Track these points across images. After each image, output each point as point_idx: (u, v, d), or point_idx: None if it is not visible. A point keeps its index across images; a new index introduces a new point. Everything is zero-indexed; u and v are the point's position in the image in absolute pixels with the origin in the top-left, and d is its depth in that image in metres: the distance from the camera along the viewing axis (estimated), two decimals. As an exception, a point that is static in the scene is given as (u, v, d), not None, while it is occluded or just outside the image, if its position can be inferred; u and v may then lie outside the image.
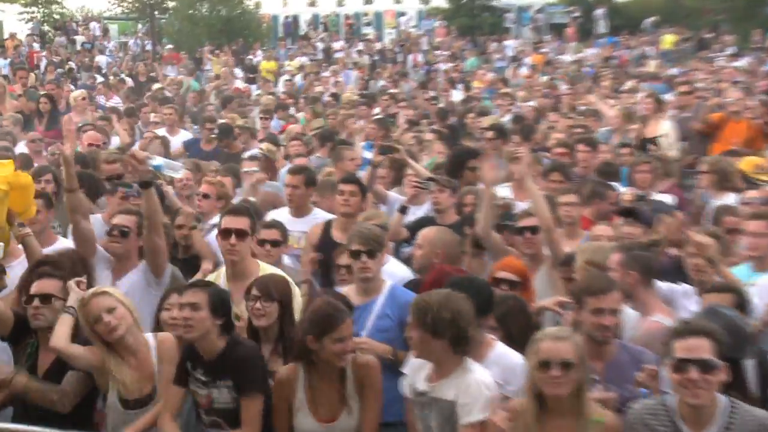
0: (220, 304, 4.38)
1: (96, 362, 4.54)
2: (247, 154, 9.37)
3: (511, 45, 27.80)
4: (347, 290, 5.00)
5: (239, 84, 19.83)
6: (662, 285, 5.17)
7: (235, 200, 7.42)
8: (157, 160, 5.49)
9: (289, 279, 5.01)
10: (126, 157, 5.58)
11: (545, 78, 18.21)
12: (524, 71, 21.33)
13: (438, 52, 26.64)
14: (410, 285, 5.30)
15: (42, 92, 12.80)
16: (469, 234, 6.09)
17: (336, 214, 6.58)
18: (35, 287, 4.77)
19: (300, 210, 6.87)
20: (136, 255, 5.69)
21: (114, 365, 4.50)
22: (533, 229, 5.88)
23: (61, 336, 4.54)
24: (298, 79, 20.71)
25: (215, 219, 6.81)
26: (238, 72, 22.19)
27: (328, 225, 6.45)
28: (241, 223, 5.24)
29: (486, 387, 4.02)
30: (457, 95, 16.79)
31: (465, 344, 4.06)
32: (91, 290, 4.61)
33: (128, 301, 4.60)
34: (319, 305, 4.29)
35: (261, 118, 12.58)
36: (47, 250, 5.78)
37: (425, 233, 5.71)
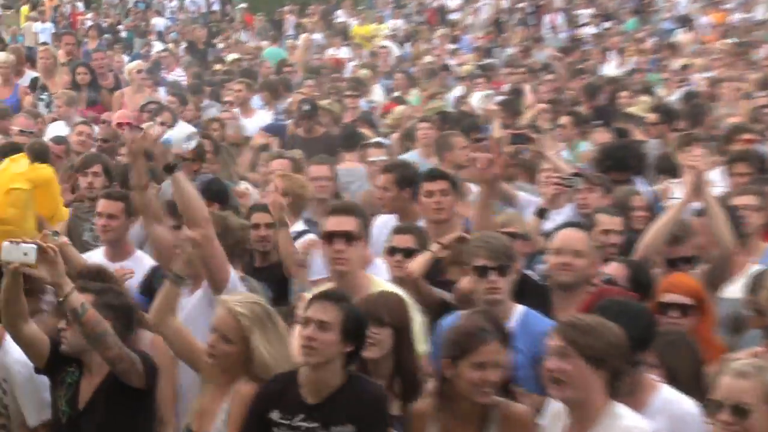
0: (354, 326, 4.37)
1: (195, 361, 4.76)
2: (372, 140, 9.47)
3: (682, 1, 27.29)
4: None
5: (340, 53, 19.85)
6: None
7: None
8: (166, 134, 5.49)
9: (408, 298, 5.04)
10: (138, 138, 5.64)
11: (727, 42, 17.85)
12: (700, 34, 20.94)
13: (584, 11, 26.36)
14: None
15: (78, 62, 13.10)
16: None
17: (425, 221, 6.56)
18: None
19: (402, 217, 6.89)
20: None
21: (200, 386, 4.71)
22: (688, 260, 5.83)
23: (155, 308, 4.79)
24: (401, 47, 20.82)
25: (297, 226, 6.99)
26: (319, 37, 22.33)
27: None
28: (349, 224, 5.28)
29: None
30: (610, 67, 16.64)
31: (620, 383, 4.05)
32: (222, 299, 4.75)
33: (251, 330, 4.59)
34: (461, 321, 4.32)
35: (347, 95, 12.72)
36: (125, 265, 6.11)
37: (570, 236, 5.56)
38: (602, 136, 9.19)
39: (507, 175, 7.66)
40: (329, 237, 5.28)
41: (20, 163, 5.61)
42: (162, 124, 9.67)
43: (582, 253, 5.40)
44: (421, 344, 5.05)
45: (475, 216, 6.20)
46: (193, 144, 5.59)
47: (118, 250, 6.50)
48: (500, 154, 5.67)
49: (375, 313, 4.69)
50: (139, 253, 6.61)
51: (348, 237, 5.24)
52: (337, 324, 4.31)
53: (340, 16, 26.27)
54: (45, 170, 5.70)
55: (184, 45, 21.41)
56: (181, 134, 5.46)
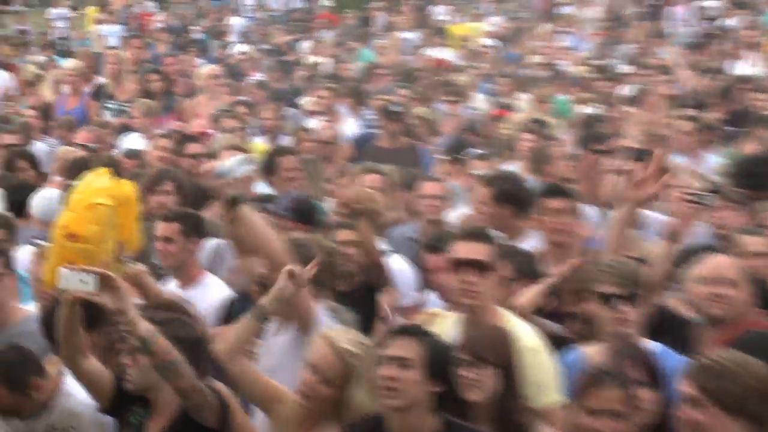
0: (440, 363, 4.38)
1: (269, 402, 4.80)
2: (472, 152, 9.48)
3: (834, -12, 26.76)
4: (591, 352, 4.99)
5: (441, 53, 19.81)
6: None
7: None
8: (224, 166, 5.54)
9: (517, 334, 5.00)
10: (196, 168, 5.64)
11: None
12: None
13: (714, 3, 26.03)
14: None
15: (150, 68, 13.32)
16: None
17: (545, 242, 6.54)
18: None
19: (507, 235, 6.86)
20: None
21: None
22: None
23: (230, 343, 4.83)
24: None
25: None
26: (413, 37, 22.35)
27: None
28: (482, 252, 5.27)
29: None
30: (745, 65, 16.38)
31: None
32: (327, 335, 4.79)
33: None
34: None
35: (446, 101, 12.74)
36: (190, 294, 6.17)
37: (721, 263, 5.48)
38: (749, 147, 9.00)
39: None
40: (457, 265, 5.26)
41: (103, 177, 5.70)
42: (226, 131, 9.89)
43: (737, 283, 5.34)
44: (553, 393, 5.02)
45: (611, 240, 6.12)
46: (245, 169, 5.67)
47: (184, 276, 6.56)
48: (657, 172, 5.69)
49: (476, 351, 4.68)
50: (209, 278, 6.65)
51: (480, 267, 5.22)
52: (419, 360, 4.33)
53: (437, 13, 26.28)
54: (128, 187, 5.78)
55: (264, 47, 21.58)
56: (233, 162, 5.56)
